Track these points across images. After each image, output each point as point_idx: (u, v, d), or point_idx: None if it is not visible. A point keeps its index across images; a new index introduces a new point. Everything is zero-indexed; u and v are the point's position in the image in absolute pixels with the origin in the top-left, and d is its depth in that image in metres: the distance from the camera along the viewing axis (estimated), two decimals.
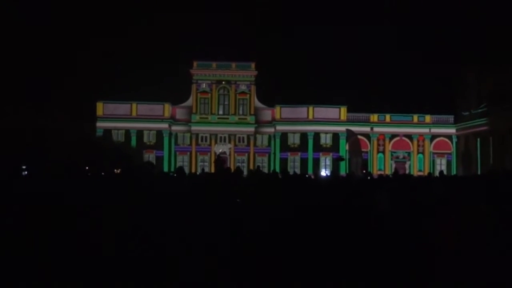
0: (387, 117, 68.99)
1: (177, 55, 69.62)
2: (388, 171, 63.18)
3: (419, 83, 68.89)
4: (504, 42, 64.37)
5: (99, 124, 66.14)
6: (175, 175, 19.14)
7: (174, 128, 68.39)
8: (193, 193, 12.44)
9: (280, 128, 67.78)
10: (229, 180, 15.42)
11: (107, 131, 64.74)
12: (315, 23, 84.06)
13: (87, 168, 34.86)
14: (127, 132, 66.31)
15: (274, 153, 67.97)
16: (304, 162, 67.07)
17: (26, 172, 19.89)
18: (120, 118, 66.28)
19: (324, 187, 14.86)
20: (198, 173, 50.37)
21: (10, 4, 71.19)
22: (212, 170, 52.29)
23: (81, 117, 61.63)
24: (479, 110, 62.19)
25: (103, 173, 26.54)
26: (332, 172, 36.58)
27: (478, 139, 62.31)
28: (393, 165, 66.56)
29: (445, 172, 61.44)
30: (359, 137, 58.04)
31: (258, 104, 69.00)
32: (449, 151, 69.01)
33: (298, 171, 59.85)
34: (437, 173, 46.97)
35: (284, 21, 78.88)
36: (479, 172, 56.79)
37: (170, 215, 9.47)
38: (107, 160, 43.90)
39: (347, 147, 61.12)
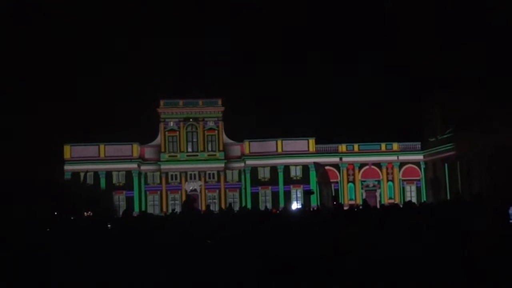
0: (356, 146, 69.42)
1: (143, 94, 69.66)
2: (359, 200, 63.42)
3: (385, 112, 69.64)
4: (467, 67, 65.71)
5: (67, 167, 65.38)
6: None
7: (143, 167, 67.95)
8: (161, 239, 12.34)
9: (250, 162, 67.78)
10: (198, 221, 15.35)
11: (76, 174, 63.75)
12: (280, 56, 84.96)
13: (55, 213, 34.33)
14: (96, 174, 65.52)
15: (245, 188, 67.82)
16: (275, 195, 67.02)
17: None
18: (88, 160, 65.60)
19: (294, 226, 14.86)
20: (168, 212, 50.04)
21: None
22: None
23: (49, 161, 61.04)
24: (445, 136, 62.96)
25: (72, 218, 26.16)
26: (302, 206, 36.75)
27: (446, 165, 62.97)
28: (364, 194, 66.81)
29: (415, 199, 62.15)
30: (328, 167, 58.33)
31: (227, 139, 69.00)
32: (418, 178, 69.56)
33: (269, 205, 59.88)
34: (413, 199, 47.16)
35: (249, 55, 79.48)
36: (448, 197, 57.31)
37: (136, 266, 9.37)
38: (76, 204, 43.35)
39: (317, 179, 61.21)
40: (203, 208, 53.71)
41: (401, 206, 23.55)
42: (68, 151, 66.34)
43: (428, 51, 79.30)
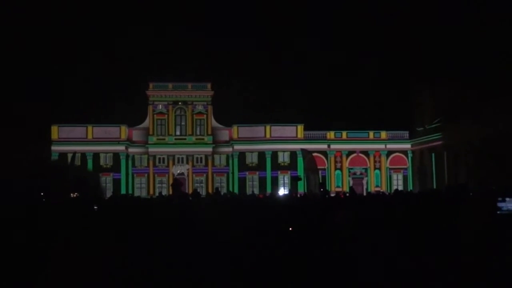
0: (344, 134, 69.56)
1: (132, 76, 69.27)
2: (346, 188, 63.68)
3: (374, 100, 69.72)
4: (456, 57, 65.76)
5: (54, 147, 65.13)
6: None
7: (131, 150, 67.80)
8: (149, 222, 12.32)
9: (238, 147, 67.78)
10: (186, 205, 15.35)
11: (63, 155, 63.48)
12: (270, 42, 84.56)
13: (42, 194, 34.20)
14: (83, 155, 65.26)
15: (233, 173, 67.87)
16: (262, 181, 67.11)
17: None
18: (76, 141, 65.35)
19: (280, 209, 14.91)
20: (156, 195, 50.03)
21: None
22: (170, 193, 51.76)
23: (36, 141, 60.74)
24: (433, 125, 63.24)
25: (59, 199, 26.12)
26: (289, 192, 36.90)
27: (433, 154, 63.29)
28: (351, 182, 67.10)
29: (401, 187, 62.51)
30: (315, 154, 58.47)
31: (215, 124, 68.93)
32: (405, 167, 69.89)
33: (256, 190, 60.06)
34: (396, 188, 47.41)
35: (239, 41, 79.14)
36: (434, 186, 57.68)
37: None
38: (63, 185, 43.20)
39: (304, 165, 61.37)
40: (190, 192, 53.70)
41: (388, 194, 23.73)
42: (55, 131, 66.05)
43: (419, 39, 79.29)
